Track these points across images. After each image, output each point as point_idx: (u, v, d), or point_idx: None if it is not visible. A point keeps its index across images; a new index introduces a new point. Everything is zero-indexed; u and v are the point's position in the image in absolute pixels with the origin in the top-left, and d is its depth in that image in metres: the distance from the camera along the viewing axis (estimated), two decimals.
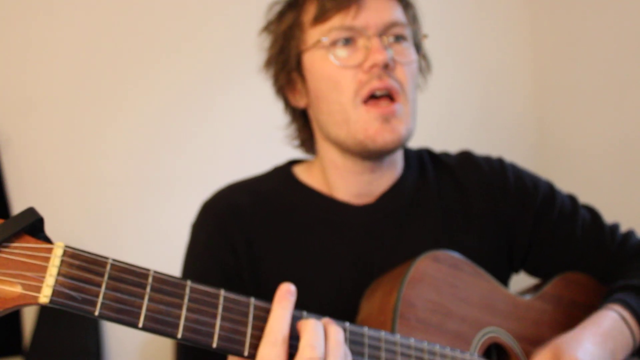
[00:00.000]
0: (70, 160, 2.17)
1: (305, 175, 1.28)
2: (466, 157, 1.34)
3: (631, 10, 2.24)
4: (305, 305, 1.15)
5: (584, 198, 1.37)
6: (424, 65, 1.29)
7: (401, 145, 1.16)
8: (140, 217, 2.22)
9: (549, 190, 1.31)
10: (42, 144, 2.16)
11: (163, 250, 2.09)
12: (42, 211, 2.15)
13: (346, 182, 1.23)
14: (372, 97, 1.14)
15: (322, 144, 1.25)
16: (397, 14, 1.18)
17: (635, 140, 2.24)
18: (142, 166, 2.25)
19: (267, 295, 1.15)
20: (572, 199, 1.33)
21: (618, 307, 1.14)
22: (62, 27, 2.20)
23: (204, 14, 2.35)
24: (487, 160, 1.33)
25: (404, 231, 1.22)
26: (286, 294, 0.84)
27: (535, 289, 1.29)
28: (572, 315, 1.23)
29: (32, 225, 0.68)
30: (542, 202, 1.29)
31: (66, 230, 2.13)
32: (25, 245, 0.66)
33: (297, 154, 1.37)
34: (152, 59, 2.28)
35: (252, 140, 2.32)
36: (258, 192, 1.25)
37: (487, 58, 2.70)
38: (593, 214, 1.33)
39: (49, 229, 2.06)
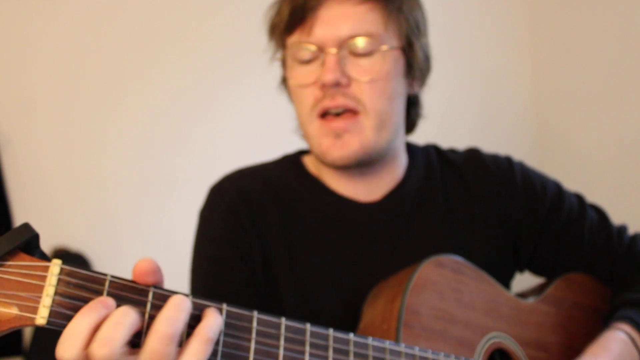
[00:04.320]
0: (70, 160, 2.15)
1: (314, 166, 1.26)
2: (474, 155, 1.30)
3: (630, 11, 2.22)
4: (308, 297, 1.13)
5: None
6: (420, 62, 1.19)
7: (358, 160, 1.12)
8: (141, 217, 2.21)
9: (557, 192, 1.28)
10: (42, 144, 2.14)
11: (164, 249, 2.07)
12: (41, 211, 2.16)
13: (341, 183, 1.21)
14: (325, 116, 1.11)
15: None
16: (359, 24, 1.08)
17: (635, 141, 2.22)
18: (142, 166, 2.24)
19: (273, 283, 1.13)
20: (579, 199, 1.30)
21: (627, 327, 1.10)
22: (61, 27, 2.18)
23: (201, 12, 2.33)
24: (495, 159, 1.30)
25: (408, 232, 1.20)
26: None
27: (537, 290, 1.26)
28: (574, 317, 1.21)
29: (28, 242, 0.64)
30: (551, 205, 1.26)
31: (66, 231, 2.11)
32: (21, 264, 0.62)
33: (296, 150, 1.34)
34: (151, 59, 2.26)
35: (252, 139, 2.31)
36: (266, 178, 1.23)
37: (488, 59, 2.69)
38: (601, 215, 1.29)
39: (49, 229, 2.04)
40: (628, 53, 2.25)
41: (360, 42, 1.08)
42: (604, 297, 1.25)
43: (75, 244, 2.09)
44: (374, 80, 1.09)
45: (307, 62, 1.10)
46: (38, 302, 0.62)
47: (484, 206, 1.24)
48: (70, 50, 2.18)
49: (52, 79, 2.16)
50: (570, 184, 1.35)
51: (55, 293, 0.63)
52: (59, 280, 0.64)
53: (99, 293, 0.66)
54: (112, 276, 0.67)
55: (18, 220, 2.06)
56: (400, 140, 1.23)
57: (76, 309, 0.64)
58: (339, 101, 1.08)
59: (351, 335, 0.85)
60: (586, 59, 2.43)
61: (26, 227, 0.64)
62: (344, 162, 1.11)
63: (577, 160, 2.47)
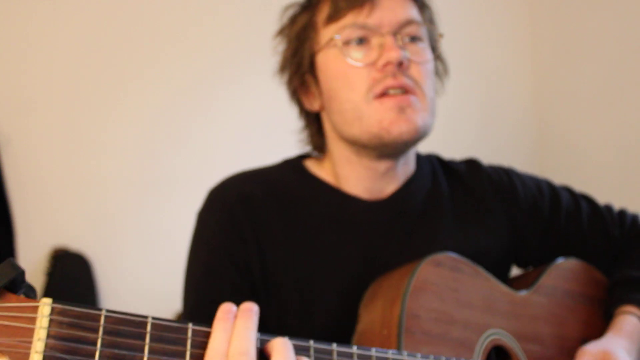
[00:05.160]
0: (70, 160, 2.12)
1: (317, 168, 1.20)
2: (474, 164, 1.28)
3: (630, 13, 2.17)
4: (311, 300, 1.08)
5: None
6: (441, 67, 1.20)
7: (418, 137, 1.08)
8: (141, 217, 2.18)
9: (552, 192, 1.27)
10: (42, 144, 2.10)
11: (164, 249, 2.02)
12: (41, 211, 2.09)
13: (359, 177, 1.15)
14: (386, 94, 1.06)
15: (336, 145, 1.16)
16: (412, 12, 1.10)
17: (636, 141, 2.17)
18: (142, 166, 2.21)
19: (274, 289, 1.07)
20: (570, 193, 1.29)
21: (637, 310, 1.12)
22: (61, 28, 2.14)
23: (201, 13, 2.28)
24: (493, 168, 1.28)
25: (414, 231, 1.15)
26: (226, 314, 0.71)
27: (529, 279, 1.22)
28: (565, 306, 1.18)
29: (13, 280, 0.56)
30: (550, 206, 1.24)
31: (66, 231, 2.06)
32: (8, 306, 0.55)
33: (298, 152, 1.27)
34: (151, 59, 2.22)
35: (252, 139, 2.28)
36: (268, 183, 1.16)
37: (488, 59, 2.67)
38: (590, 203, 1.29)
39: (49, 229, 1.96)
40: (628, 54, 2.22)
41: (414, 29, 1.09)
42: (593, 282, 1.23)
43: (75, 244, 2.04)
44: (427, 64, 1.10)
45: (360, 44, 1.07)
46: (29, 348, 0.55)
47: (489, 210, 1.21)
48: (70, 50, 2.13)
49: (52, 79, 2.11)
50: (571, 185, 1.34)
51: (48, 336, 0.56)
52: (51, 321, 0.57)
53: (94, 331, 0.59)
54: (107, 310, 0.61)
55: (18, 220, 2.01)
56: None
57: (71, 351, 0.57)
58: (401, 80, 1.05)
59: (355, 349, 0.79)
60: (586, 59, 2.41)
61: (10, 264, 0.56)
62: (410, 135, 1.05)
63: (578, 160, 2.46)
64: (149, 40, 2.20)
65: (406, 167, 1.18)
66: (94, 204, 2.09)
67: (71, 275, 1.97)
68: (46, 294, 1.94)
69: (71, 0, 2.12)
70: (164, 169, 2.18)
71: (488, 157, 1.37)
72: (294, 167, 1.20)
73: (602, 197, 1.42)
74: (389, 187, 1.16)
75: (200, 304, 1.06)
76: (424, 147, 1.33)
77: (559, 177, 1.32)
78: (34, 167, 2.05)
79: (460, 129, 2.52)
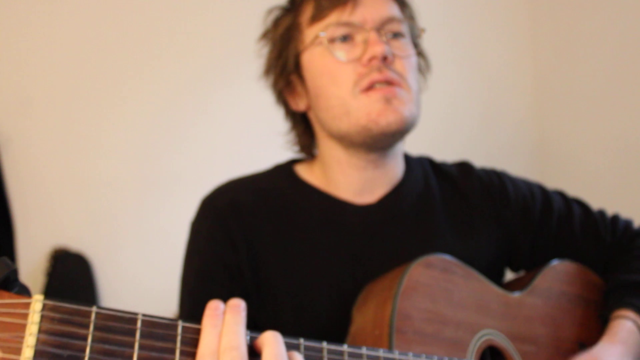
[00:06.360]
0: (70, 160, 2.12)
1: (307, 173, 1.22)
2: (466, 167, 1.29)
3: (631, 16, 2.16)
4: (305, 303, 1.09)
5: None
6: (423, 64, 1.23)
7: (405, 128, 1.10)
8: (140, 217, 2.18)
9: (544, 196, 1.28)
10: (42, 144, 2.10)
11: (163, 250, 2.03)
12: (41, 211, 2.09)
13: (349, 179, 1.17)
14: (372, 88, 1.09)
15: (325, 143, 1.19)
16: (394, 10, 1.14)
17: (636, 145, 2.17)
18: (142, 166, 2.20)
19: (267, 294, 1.09)
20: (562, 197, 1.31)
21: (632, 314, 1.12)
22: (61, 27, 2.14)
23: (200, 14, 2.29)
24: (485, 171, 1.30)
25: (406, 234, 1.17)
26: (214, 311, 0.72)
27: (524, 281, 1.23)
28: (560, 307, 1.19)
29: (6, 278, 0.58)
30: (541, 209, 1.26)
31: (66, 231, 2.07)
32: (1, 302, 0.57)
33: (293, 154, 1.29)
34: (150, 59, 2.22)
35: (250, 140, 2.28)
36: (259, 190, 1.19)
37: (488, 64, 2.66)
38: (583, 208, 1.30)
39: (49, 229, 1.97)
40: (630, 57, 2.22)
41: (397, 25, 1.13)
42: (588, 283, 1.24)
43: (75, 244, 2.05)
44: (411, 58, 1.13)
45: (344, 41, 1.10)
46: (21, 343, 0.57)
47: (481, 213, 1.23)
48: (70, 50, 2.13)
49: (52, 78, 2.12)
50: (570, 189, 1.35)
51: (39, 331, 0.58)
52: (42, 316, 0.59)
53: (85, 327, 0.61)
54: (98, 307, 0.63)
55: (18, 220, 2.02)
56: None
57: (62, 346, 0.59)
58: (386, 74, 1.08)
59: (345, 347, 0.80)
60: (587, 60, 2.40)
61: (4, 262, 0.58)
62: (398, 126, 1.08)
63: (577, 165, 2.45)
64: (149, 40, 2.20)
65: (395, 165, 1.19)
66: (94, 204, 2.10)
67: (71, 275, 1.98)
68: (46, 293, 1.94)
69: (71, 0, 2.13)
70: (164, 169, 2.19)
71: (488, 159, 1.39)
72: (284, 173, 1.22)
73: (601, 200, 1.42)
74: (379, 190, 1.18)
75: (195, 310, 1.08)
76: (424, 146, 1.35)
77: (558, 179, 1.33)
78: (34, 167, 2.05)
79: (460, 129, 2.51)
